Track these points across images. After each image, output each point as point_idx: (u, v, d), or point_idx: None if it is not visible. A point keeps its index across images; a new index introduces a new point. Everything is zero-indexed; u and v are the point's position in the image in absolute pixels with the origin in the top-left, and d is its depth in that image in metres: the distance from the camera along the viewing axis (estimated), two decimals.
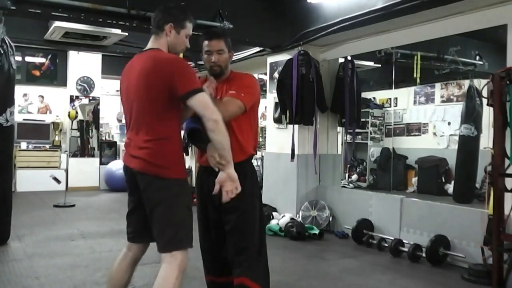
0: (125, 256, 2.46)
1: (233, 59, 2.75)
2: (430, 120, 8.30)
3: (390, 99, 8.95)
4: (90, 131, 9.18)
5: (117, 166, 8.47)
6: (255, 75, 7.19)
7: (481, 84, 5.95)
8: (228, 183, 2.25)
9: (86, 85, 9.18)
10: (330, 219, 5.61)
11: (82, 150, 9.09)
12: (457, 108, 7.40)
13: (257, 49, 6.24)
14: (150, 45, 2.35)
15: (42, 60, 9.28)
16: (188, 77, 2.16)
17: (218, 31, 2.73)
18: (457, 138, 7.10)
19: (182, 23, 2.35)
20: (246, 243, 2.53)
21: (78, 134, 9.16)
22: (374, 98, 9.10)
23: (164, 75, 2.15)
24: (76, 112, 9.00)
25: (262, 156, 7.37)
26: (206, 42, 2.56)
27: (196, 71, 7.88)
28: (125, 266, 2.44)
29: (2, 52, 4.43)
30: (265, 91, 6.50)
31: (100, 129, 9.56)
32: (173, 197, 2.22)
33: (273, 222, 5.50)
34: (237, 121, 2.51)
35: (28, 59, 9.15)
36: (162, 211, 2.21)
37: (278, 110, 5.97)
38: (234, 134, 2.49)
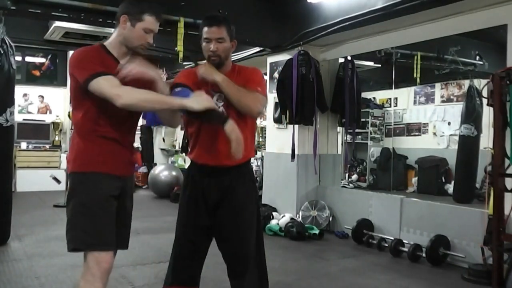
0: None
1: (233, 59, 2.57)
2: (430, 120, 8.29)
3: (390, 99, 8.94)
4: None
5: None
6: None
7: (481, 84, 5.95)
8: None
9: None
10: (330, 219, 5.61)
11: None
12: (457, 108, 7.39)
13: (257, 49, 6.24)
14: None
15: (42, 60, 9.29)
16: (83, 64, 2.06)
17: (219, 17, 2.44)
18: (457, 138, 7.09)
19: (137, 16, 2.14)
20: (241, 252, 2.37)
21: None
22: (374, 98, 9.09)
23: (70, 72, 2.13)
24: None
25: (262, 156, 7.37)
26: (205, 29, 2.33)
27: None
28: None
29: (2, 52, 4.43)
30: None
31: None
32: (69, 193, 2.16)
33: (273, 222, 5.50)
34: (243, 123, 2.30)
35: (28, 59, 9.15)
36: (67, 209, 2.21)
37: (278, 110, 5.96)
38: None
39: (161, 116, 2.33)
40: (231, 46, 2.39)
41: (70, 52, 8.92)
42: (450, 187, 7.36)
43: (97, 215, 2.10)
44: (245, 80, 2.37)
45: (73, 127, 2.24)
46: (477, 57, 7.29)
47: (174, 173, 8.49)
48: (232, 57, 2.54)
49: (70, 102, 2.25)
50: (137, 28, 2.15)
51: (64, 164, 8.21)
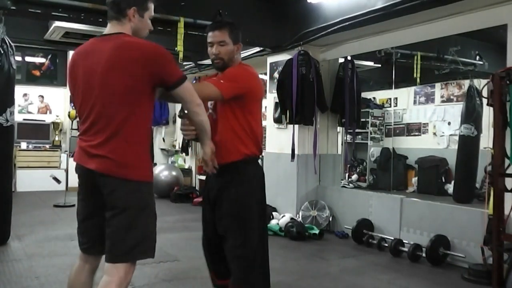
0: (82, 269, 2.19)
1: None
2: (430, 120, 8.28)
3: (390, 99, 8.94)
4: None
5: None
6: None
7: (481, 84, 5.94)
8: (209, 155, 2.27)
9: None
10: (330, 219, 5.61)
11: None
12: (457, 108, 7.38)
13: (257, 49, 6.24)
14: (111, 30, 2.08)
15: (42, 60, 9.28)
16: (174, 65, 2.02)
17: (222, 21, 2.52)
18: (457, 138, 7.09)
19: (145, 5, 2.11)
20: (239, 250, 2.38)
21: (78, 134, 9.14)
22: (374, 98, 9.08)
23: (146, 64, 1.94)
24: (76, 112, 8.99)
25: (262, 156, 7.37)
26: (209, 34, 2.42)
27: (196, 71, 7.88)
28: (84, 279, 2.19)
29: (2, 52, 4.43)
30: (265, 91, 6.50)
31: None
32: (144, 203, 2.05)
33: (273, 222, 5.50)
34: (230, 119, 2.38)
35: (28, 59, 9.15)
36: (126, 218, 1.98)
37: (278, 110, 5.97)
38: (225, 133, 2.39)
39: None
40: (235, 49, 2.44)
41: (70, 52, 8.91)
42: (450, 187, 7.36)
43: (155, 224, 2.13)
44: (222, 74, 2.41)
45: (120, 128, 1.99)
46: (477, 57, 7.29)
47: (174, 173, 8.50)
48: (241, 49, 2.54)
49: (107, 98, 1.99)
50: (145, 18, 2.14)
51: (64, 164, 8.20)
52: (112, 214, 2.00)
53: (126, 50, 1.97)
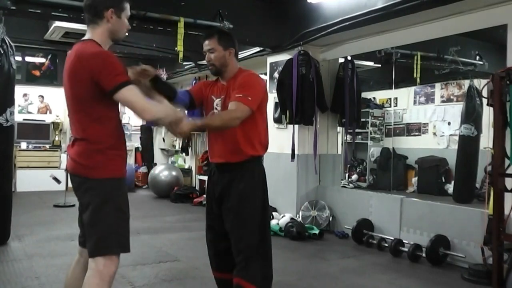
0: (78, 262, 2.33)
1: None
2: (430, 120, 8.28)
3: (390, 99, 8.94)
4: None
5: None
6: None
7: (481, 84, 5.94)
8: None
9: None
10: (330, 219, 5.61)
11: None
12: (457, 108, 7.39)
13: (257, 49, 6.24)
14: (86, 35, 2.17)
15: (42, 60, 9.28)
16: (112, 72, 1.99)
17: (211, 30, 2.70)
18: (457, 138, 7.09)
19: (121, 5, 2.16)
20: (243, 244, 2.52)
21: None
22: (374, 98, 9.09)
23: (87, 72, 2.00)
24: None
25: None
26: (203, 44, 2.60)
27: (196, 71, 7.88)
28: (79, 272, 2.28)
29: (2, 52, 4.43)
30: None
31: None
32: (102, 198, 2.08)
33: (273, 222, 5.50)
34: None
35: (28, 59, 9.15)
36: (89, 214, 2.08)
37: (278, 110, 5.97)
38: (233, 136, 2.51)
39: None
40: (226, 54, 2.58)
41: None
42: (450, 187, 7.36)
43: (127, 219, 2.17)
44: (240, 88, 2.51)
45: (81, 132, 2.12)
46: (477, 57, 7.29)
47: (174, 173, 8.49)
48: (232, 54, 2.64)
49: (72, 107, 2.14)
50: (122, 18, 2.18)
51: (64, 164, 8.21)
52: (81, 210, 2.17)
53: (77, 58, 2.06)
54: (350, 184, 8.31)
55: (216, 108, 2.61)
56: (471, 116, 6.62)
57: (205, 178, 8.18)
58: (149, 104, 2.09)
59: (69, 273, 2.36)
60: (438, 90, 8.18)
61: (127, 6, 2.20)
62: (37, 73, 9.34)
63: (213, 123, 2.50)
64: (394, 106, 8.88)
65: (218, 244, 2.69)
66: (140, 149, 10.20)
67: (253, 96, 2.49)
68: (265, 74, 6.43)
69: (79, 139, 2.12)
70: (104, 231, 2.07)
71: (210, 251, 2.76)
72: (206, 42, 2.58)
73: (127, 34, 2.27)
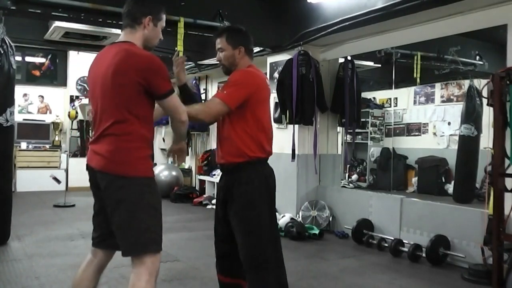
0: (91, 263, 2.31)
1: None
2: (430, 120, 8.28)
3: (390, 99, 8.94)
4: (90, 131, 9.17)
5: None
6: None
7: (481, 84, 5.94)
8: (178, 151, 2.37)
9: (86, 85, 9.19)
10: (330, 219, 5.61)
11: (82, 150, 9.09)
12: (457, 108, 7.38)
13: (257, 49, 6.23)
14: (122, 38, 2.23)
15: (42, 60, 9.29)
16: (166, 77, 2.11)
17: (220, 28, 2.69)
18: (457, 138, 7.09)
19: (159, 15, 2.26)
20: (245, 252, 2.45)
21: (78, 134, 9.16)
22: (374, 98, 9.08)
23: (138, 71, 2.05)
24: (76, 112, 9.00)
25: None
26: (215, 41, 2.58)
27: (196, 71, 7.88)
28: (91, 273, 2.29)
29: (2, 52, 4.43)
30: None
31: None
32: (135, 196, 2.08)
33: None
34: (233, 122, 2.46)
35: (28, 59, 9.16)
36: (123, 212, 2.08)
37: (278, 110, 5.96)
38: (229, 134, 2.47)
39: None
40: (235, 53, 2.51)
41: (70, 52, 8.95)
42: (450, 187, 7.36)
43: (161, 218, 2.19)
44: (225, 84, 2.51)
45: (116, 129, 2.11)
46: (477, 57, 7.29)
47: (174, 173, 8.49)
48: (242, 52, 2.57)
49: (107, 100, 2.12)
50: (158, 28, 2.27)
51: (64, 164, 8.21)
52: (111, 210, 2.12)
53: (123, 57, 2.08)
54: (350, 184, 8.31)
55: None
56: (471, 116, 6.62)
57: (205, 178, 8.21)
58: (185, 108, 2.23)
59: (79, 273, 2.31)
60: (438, 90, 8.18)
61: (164, 17, 2.30)
62: (37, 73, 9.34)
63: (189, 112, 2.32)
64: (394, 106, 8.87)
65: (221, 247, 2.64)
66: None
67: (234, 92, 2.41)
68: (265, 74, 6.44)
69: (109, 135, 2.10)
70: (140, 229, 2.08)
71: (216, 253, 2.69)
72: (217, 40, 2.54)
73: (158, 43, 2.35)
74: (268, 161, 2.62)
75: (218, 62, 2.60)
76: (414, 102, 8.57)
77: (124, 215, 2.08)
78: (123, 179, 2.07)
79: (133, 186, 2.07)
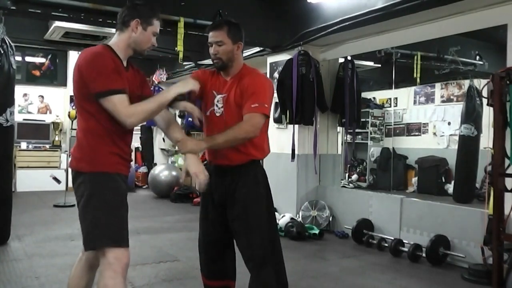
0: (80, 260, 2.36)
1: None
2: (430, 120, 8.29)
3: (390, 99, 8.94)
4: None
5: None
6: None
7: (481, 84, 5.95)
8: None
9: None
10: (330, 219, 5.61)
11: None
12: (457, 108, 7.39)
13: (257, 49, 6.24)
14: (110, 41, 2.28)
15: (42, 60, 9.29)
16: (102, 75, 2.06)
17: (220, 21, 2.57)
18: (457, 138, 7.10)
19: (149, 20, 2.25)
20: (251, 252, 2.42)
21: None
22: (374, 98, 9.09)
23: (78, 67, 2.11)
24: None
25: None
26: (208, 34, 2.46)
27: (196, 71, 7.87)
28: (80, 271, 2.33)
29: (2, 52, 4.43)
30: None
31: None
32: (89, 192, 2.11)
33: None
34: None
35: (28, 59, 9.15)
36: (80, 208, 2.15)
37: (278, 110, 5.96)
38: None
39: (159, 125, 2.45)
40: (234, 48, 2.43)
41: (70, 52, 8.95)
42: (450, 187, 7.36)
43: (120, 213, 2.17)
44: (243, 92, 2.40)
45: (77, 125, 2.24)
46: (477, 57, 7.29)
47: (174, 173, 8.49)
48: (242, 48, 2.53)
49: (74, 102, 2.27)
50: (148, 32, 2.26)
51: (64, 164, 8.21)
52: (76, 205, 2.20)
53: (78, 58, 2.17)
54: (350, 184, 8.32)
55: (216, 105, 2.46)
56: (471, 116, 6.62)
57: None
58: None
59: (71, 271, 2.37)
60: (438, 90, 8.19)
61: (156, 23, 2.27)
62: (37, 73, 9.34)
63: (225, 139, 2.29)
64: (394, 106, 8.88)
65: (212, 251, 2.57)
66: (140, 149, 10.20)
67: (268, 101, 2.42)
68: (265, 74, 6.44)
69: (77, 136, 2.21)
70: (91, 224, 2.11)
71: (203, 257, 2.62)
72: (214, 33, 2.42)
73: (148, 50, 2.32)
74: (268, 161, 2.62)
75: (213, 56, 2.45)
76: (414, 102, 8.58)
77: (80, 210, 2.15)
78: (82, 175, 2.14)
79: (89, 182, 2.12)
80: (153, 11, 2.27)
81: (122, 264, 2.10)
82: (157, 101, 2.21)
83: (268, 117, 2.42)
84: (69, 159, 2.25)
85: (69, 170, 2.27)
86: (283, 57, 5.89)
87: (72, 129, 9.08)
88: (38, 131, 9.04)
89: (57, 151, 8.90)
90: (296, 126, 5.64)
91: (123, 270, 2.11)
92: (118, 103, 2.07)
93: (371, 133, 8.63)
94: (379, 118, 8.80)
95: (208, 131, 2.53)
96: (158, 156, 10.33)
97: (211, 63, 2.54)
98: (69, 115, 8.93)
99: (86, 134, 2.16)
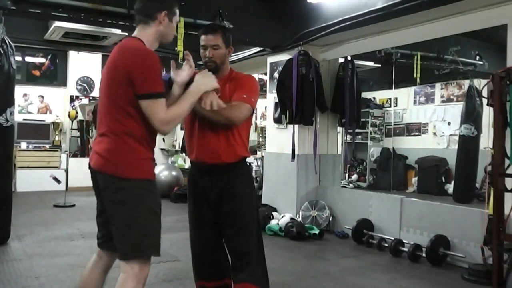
0: (96, 264, 2.26)
1: (233, 59, 2.69)
2: (430, 120, 8.30)
3: (390, 99, 8.95)
4: (90, 131, 9.18)
5: None
6: (255, 75, 7.19)
7: (481, 84, 5.95)
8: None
9: (86, 85, 9.20)
10: (330, 219, 5.61)
11: (82, 150, 9.09)
12: (457, 108, 7.40)
13: (257, 49, 6.24)
14: (134, 34, 2.17)
15: (42, 60, 9.28)
16: (148, 78, 1.98)
17: (215, 25, 2.69)
18: (457, 138, 7.10)
19: (174, 10, 2.21)
20: (246, 248, 2.49)
21: (78, 134, 9.15)
22: (374, 98, 9.10)
23: (124, 66, 1.99)
24: (76, 112, 9.00)
25: (262, 156, 7.37)
26: (202, 37, 2.50)
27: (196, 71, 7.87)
28: (97, 275, 2.25)
29: (2, 52, 4.42)
30: (265, 91, 6.50)
31: None
32: (134, 200, 2.01)
33: (273, 222, 5.50)
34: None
35: (28, 59, 9.15)
36: (122, 215, 2.02)
37: (278, 110, 5.96)
38: (226, 136, 2.45)
39: None
40: (226, 52, 2.53)
41: (70, 52, 8.95)
42: (450, 187, 7.37)
43: (160, 223, 2.12)
44: (236, 86, 2.49)
45: (104, 126, 2.07)
46: (477, 57, 7.30)
47: (174, 173, 8.49)
48: (233, 57, 2.61)
49: (100, 100, 2.12)
50: (173, 23, 2.23)
51: (64, 164, 8.21)
52: (110, 212, 2.07)
53: (117, 52, 2.07)
54: (350, 184, 8.32)
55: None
56: (471, 116, 6.63)
57: None
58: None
59: (85, 274, 2.27)
60: (438, 90, 8.19)
61: (178, 12, 2.24)
62: (37, 73, 9.34)
63: (222, 110, 2.32)
64: (394, 106, 8.89)
65: (209, 255, 2.58)
66: None
67: (256, 98, 2.52)
68: (265, 74, 6.44)
69: (108, 135, 2.05)
70: (140, 234, 2.01)
71: (199, 261, 2.62)
72: (210, 37, 2.47)
73: (172, 39, 2.29)
74: (268, 161, 2.66)
75: (207, 59, 2.49)
76: (414, 102, 8.58)
77: (123, 218, 2.02)
78: (122, 180, 2.00)
79: (131, 189, 2.01)
80: (175, 1, 2.22)
81: (145, 274, 2.05)
82: (189, 102, 2.15)
83: (253, 112, 2.52)
84: (96, 159, 2.06)
85: (94, 172, 2.09)
86: (283, 57, 5.89)
87: (72, 129, 9.11)
88: (38, 131, 9.03)
89: (57, 151, 8.89)
90: (296, 126, 5.64)
91: (145, 280, 2.06)
92: (161, 107, 1.99)
93: (371, 133, 8.64)
94: (379, 118, 8.80)
95: (200, 132, 2.50)
96: (158, 156, 10.33)
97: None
98: (69, 115, 8.95)
99: (126, 136, 2.02)
